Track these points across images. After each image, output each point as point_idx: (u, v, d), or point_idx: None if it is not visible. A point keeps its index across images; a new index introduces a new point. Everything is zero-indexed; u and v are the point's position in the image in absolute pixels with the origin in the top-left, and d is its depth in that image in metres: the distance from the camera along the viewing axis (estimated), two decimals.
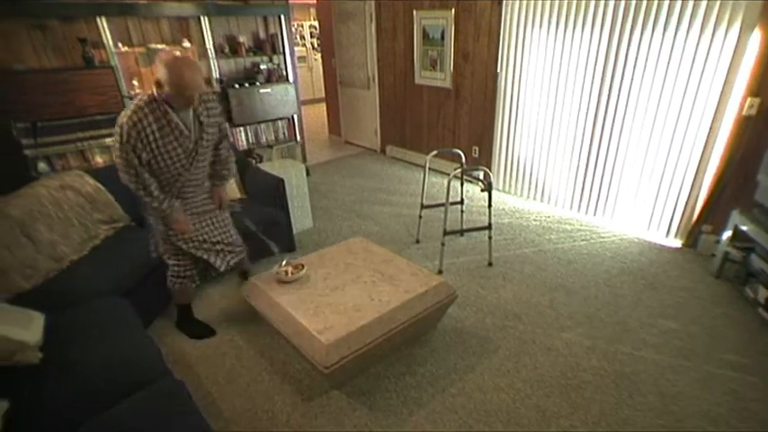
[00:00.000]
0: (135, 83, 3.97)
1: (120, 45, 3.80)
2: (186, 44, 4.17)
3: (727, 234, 3.02)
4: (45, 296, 2.31)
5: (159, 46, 4.01)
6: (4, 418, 1.53)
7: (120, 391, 1.70)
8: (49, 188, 2.72)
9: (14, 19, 3.33)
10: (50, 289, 2.39)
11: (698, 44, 3.07)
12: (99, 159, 3.83)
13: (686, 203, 3.43)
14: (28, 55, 3.46)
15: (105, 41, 3.64)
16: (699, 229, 3.44)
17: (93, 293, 2.34)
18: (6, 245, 2.37)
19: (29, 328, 1.86)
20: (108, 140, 3.79)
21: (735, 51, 2.93)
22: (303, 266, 2.54)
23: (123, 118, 2.03)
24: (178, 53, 2.16)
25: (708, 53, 3.05)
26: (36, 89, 3.30)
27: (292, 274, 2.50)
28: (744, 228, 2.86)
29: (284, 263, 2.58)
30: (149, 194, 2.15)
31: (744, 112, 3.02)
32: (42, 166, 3.52)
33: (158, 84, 2.04)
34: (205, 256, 2.42)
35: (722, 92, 3.04)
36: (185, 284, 2.48)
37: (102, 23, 3.60)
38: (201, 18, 4.11)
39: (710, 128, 3.16)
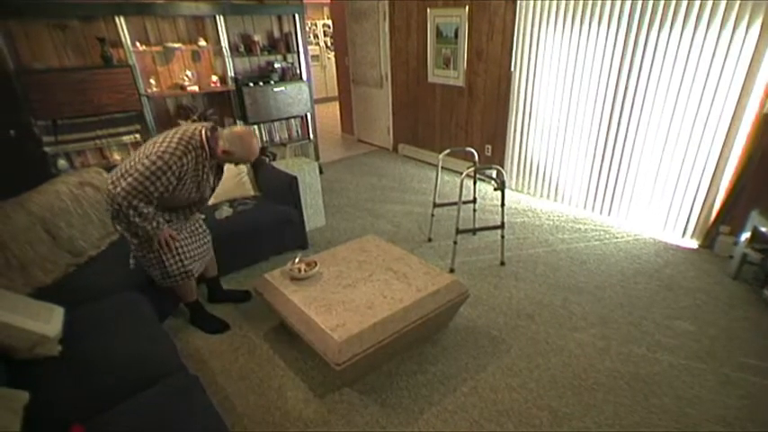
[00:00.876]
0: (152, 81, 4.03)
1: (137, 44, 3.87)
2: (202, 43, 4.21)
3: (745, 235, 2.96)
4: (64, 290, 2.37)
5: (176, 45, 4.06)
6: (24, 409, 1.56)
7: (136, 384, 1.73)
8: (68, 185, 2.78)
9: (36, 19, 3.41)
10: (69, 283, 2.45)
11: (717, 43, 3.02)
12: (117, 156, 3.90)
13: (703, 203, 3.37)
14: (49, 54, 3.53)
15: (123, 41, 3.71)
16: (716, 229, 3.38)
17: (110, 288, 2.39)
18: (27, 240, 2.43)
19: (49, 322, 1.90)
20: (125, 138, 3.87)
21: (755, 50, 2.87)
22: (316, 264, 2.56)
23: (168, 148, 2.08)
24: (243, 127, 2.35)
25: (727, 52, 2.99)
26: (56, 88, 3.37)
27: (305, 271, 2.51)
28: (763, 229, 2.80)
29: (297, 260, 2.60)
30: (144, 218, 2.15)
31: (764, 111, 2.95)
32: (62, 163, 3.60)
33: (226, 152, 2.23)
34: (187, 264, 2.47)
35: (742, 91, 2.99)
36: (180, 281, 2.49)
37: (121, 23, 3.66)
38: (217, 17, 4.15)
39: (729, 127, 3.10)
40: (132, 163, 2.11)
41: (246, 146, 2.26)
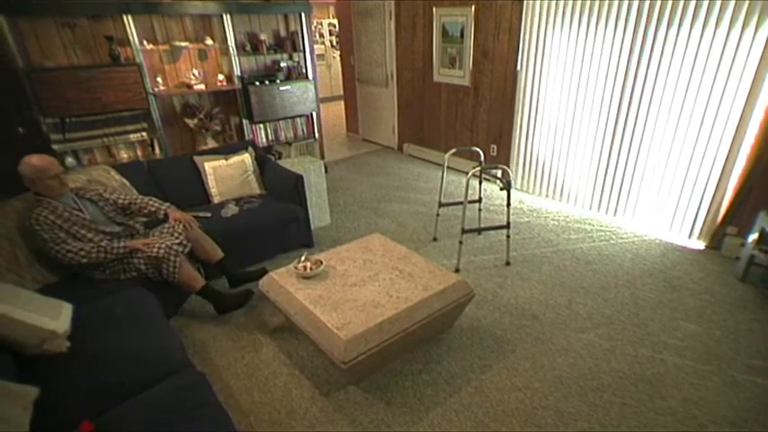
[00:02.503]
0: (159, 80, 4.05)
1: (145, 43, 3.88)
2: (209, 41, 4.23)
3: (753, 237, 2.94)
4: (73, 287, 2.39)
5: (183, 43, 4.07)
6: (34, 405, 1.58)
7: (143, 381, 1.75)
8: (76, 182, 2.80)
9: (45, 17, 3.43)
10: (78, 280, 2.47)
11: (725, 42, 3.00)
12: (124, 155, 3.93)
13: (710, 204, 3.36)
14: (58, 52, 3.56)
15: (131, 39, 3.72)
16: (723, 230, 3.37)
17: (118, 285, 2.40)
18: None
19: (58, 318, 1.92)
20: (132, 136, 3.89)
21: (764, 50, 2.85)
22: (322, 263, 2.57)
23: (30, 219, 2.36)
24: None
25: (736, 52, 2.97)
26: (65, 86, 3.39)
27: (311, 269, 2.52)
28: None
29: (303, 258, 2.60)
30: (98, 252, 2.41)
31: None
32: (70, 160, 3.63)
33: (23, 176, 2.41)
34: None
35: (750, 91, 2.97)
36: (177, 262, 2.55)
37: (129, 21, 3.68)
38: (224, 16, 4.17)
39: (737, 127, 3.08)
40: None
41: (31, 166, 2.36)
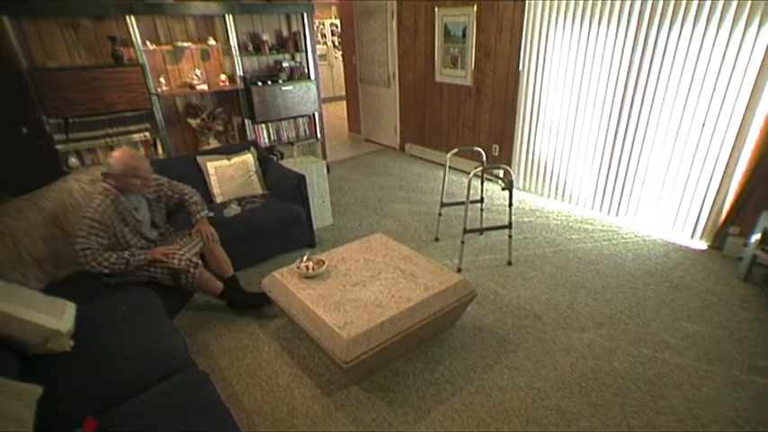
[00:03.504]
0: (162, 80, 4.06)
1: (148, 43, 3.90)
2: (211, 42, 4.24)
3: (755, 237, 2.94)
4: (77, 286, 2.40)
5: (185, 44, 4.09)
6: (38, 403, 1.59)
7: (146, 380, 1.76)
8: (80, 182, 2.81)
9: (49, 18, 3.45)
10: (82, 279, 2.48)
11: (728, 42, 2.99)
12: None
13: (713, 204, 3.35)
14: (61, 53, 3.57)
15: (134, 40, 3.73)
16: (726, 230, 3.36)
17: (121, 285, 2.41)
18: (40, 236, 2.47)
19: (62, 317, 1.93)
20: (135, 136, 3.90)
21: (766, 50, 2.84)
22: (324, 262, 2.57)
23: (87, 211, 2.33)
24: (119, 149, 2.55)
25: (738, 51, 2.97)
26: (68, 86, 3.40)
27: (314, 269, 2.53)
28: None
29: (305, 258, 2.61)
30: (117, 261, 2.37)
31: None
32: (73, 160, 3.64)
33: (111, 176, 2.42)
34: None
35: (753, 90, 2.96)
36: (196, 274, 2.56)
37: (132, 22, 3.69)
38: (227, 16, 4.18)
39: (739, 127, 3.08)
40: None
41: (123, 161, 2.38)
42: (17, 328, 1.78)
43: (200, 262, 2.62)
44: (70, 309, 2.03)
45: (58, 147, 3.52)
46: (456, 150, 3.56)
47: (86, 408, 1.61)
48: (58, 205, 2.63)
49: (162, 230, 2.77)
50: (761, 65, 2.89)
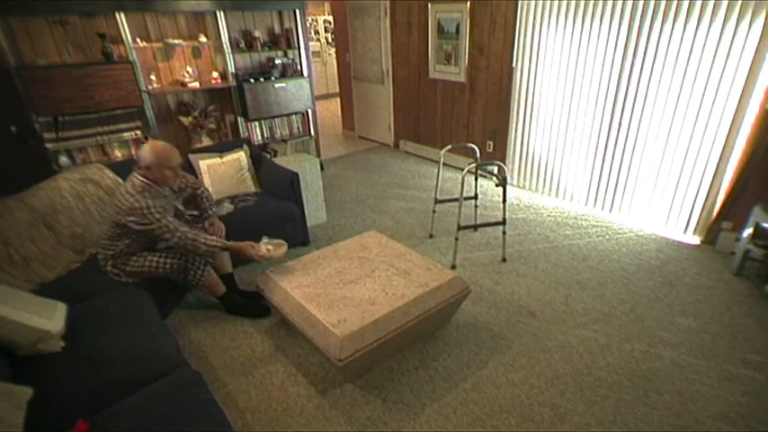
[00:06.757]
0: (153, 77, 4.02)
1: (138, 40, 3.85)
2: (203, 39, 4.20)
3: (747, 231, 2.95)
4: (67, 287, 2.37)
5: (176, 41, 4.05)
6: (28, 404, 1.57)
7: (139, 380, 1.74)
8: (70, 181, 2.78)
9: (37, 15, 3.40)
10: (72, 280, 2.46)
11: (719, 40, 3.00)
12: (118, 153, 3.90)
13: (705, 199, 3.37)
14: (50, 51, 3.52)
15: (124, 37, 3.69)
16: (718, 225, 3.38)
17: (113, 284, 2.39)
18: (30, 236, 2.44)
19: (52, 318, 1.91)
20: (126, 135, 3.86)
21: (757, 48, 2.86)
22: (284, 245, 2.65)
23: (134, 201, 2.29)
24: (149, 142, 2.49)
25: (730, 47, 2.97)
26: (57, 84, 3.36)
27: (274, 251, 2.59)
28: (766, 225, 2.80)
29: (265, 241, 2.65)
30: (195, 238, 2.41)
31: (766, 107, 2.94)
32: (64, 159, 3.60)
33: (147, 167, 2.35)
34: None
35: (744, 86, 2.97)
36: (206, 272, 2.56)
37: (121, 19, 3.64)
38: (218, 13, 4.13)
39: (732, 122, 3.09)
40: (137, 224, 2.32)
41: (155, 153, 2.34)
42: (7, 329, 1.75)
43: (212, 261, 2.63)
44: (60, 309, 2.01)
45: (48, 145, 3.48)
46: (450, 147, 3.55)
47: (77, 409, 1.59)
48: (48, 205, 2.59)
49: (187, 218, 2.76)
50: (752, 60, 2.90)
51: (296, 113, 4.93)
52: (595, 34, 3.65)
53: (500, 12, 4.30)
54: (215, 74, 4.38)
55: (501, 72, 4.51)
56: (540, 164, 4.45)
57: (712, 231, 3.42)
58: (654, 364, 2.33)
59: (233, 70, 4.39)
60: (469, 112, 5.02)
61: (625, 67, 3.55)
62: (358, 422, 2.04)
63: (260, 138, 4.74)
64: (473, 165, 3.17)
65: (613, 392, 2.16)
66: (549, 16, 3.89)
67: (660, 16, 3.24)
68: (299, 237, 3.54)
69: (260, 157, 3.80)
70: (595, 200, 4.10)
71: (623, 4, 3.41)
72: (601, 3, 3.54)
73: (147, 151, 2.32)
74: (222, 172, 3.50)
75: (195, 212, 2.86)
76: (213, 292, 2.69)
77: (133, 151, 3.98)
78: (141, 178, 2.35)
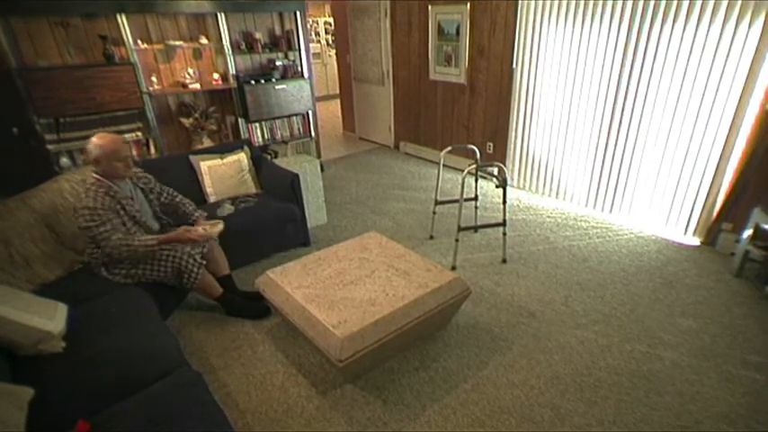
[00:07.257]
0: (154, 79, 4.04)
1: (139, 42, 3.86)
2: (204, 41, 4.21)
3: (747, 232, 2.95)
4: (68, 287, 2.38)
5: (177, 42, 4.06)
6: (29, 405, 1.57)
7: (139, 380, 1.74)
8: (71, 182, 2.79)
9: (39, 17, 3.41)
10: (73, 280, 2.46)
11: (719, 40, 3.01)
12: None
13: (705, 200, 3.37)
14: (51, 52, 3.54)
15: (125, 38, 3.70)
16: (718, 226, 3.38)
17: (113, 285, 2.40)
18: (31, 237, 2.44)
19: (53, 319, 1.91)
20: (127, 136, 3.87)
21: (757, 48, 2.86)
22: (221, 223, 2.70)
23: (86, 200, 2.30)
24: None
25: (730, 47, 2.98)
26: (59, 86, 3.37)
27: (211, 228, 2.64)
28: (765, 226, 2.80)
29: (201, 220, 2.74)
30: (136, 244, 2.37)
31: (766, 108, 2.94)
32: (65, 160, 3.61)
33: (95, 160, 2.35)
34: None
35: (744, 86, 2.98)
36: (199, 274, 2.55)
37: (123, 21, 3.66)
38: (219, 15, 4.15)
39: (731, 123, 3.09)
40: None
41: (102, 146, 2.32)
42: (7, 329, 1.76)
43: (204, 262, 2.62)
44: (62, 310, 2.01)
45: (49, 147, 3.49)
46: (450, 148, 3.56)
47: (78, 410, 1.59)
48: (48, 206, 2.60)
49: (164, 223, 2.76)
50: (752, 60, 2.90)
51: (296, 115, 4.94)
52: (595, 35, 3.66)
53: (500, 13, 4.31)
54: (216, 75, 4.39)
55: (501, 73, 4.52)
56: (540, 165, 4.45)
57: (712, 232, 3.42)
58: (654, 364, 2.33)
59: (234, 72, 4.40)
60: (470, 113, 5.02)
61: (625, 67, 3.56)
62: (358, 423, 2.04)
63: (260, 139, 4.75)
64: (473, 166, 3.17)
65: (613, 393, 2.16)
66: (550, 17, 3.90)
67: (660, 17, 3.25)
68: (299, 237, 3.55)
69: (260, 159, 3.80)
70: (595, 201, 4.10)
71: (623, 4, 3.42)
72: (601, 3, 3.54)
73: (94, 144, 2.31)
74: (223, 173, 3.51)
75: (173, 222, 2.83)
76: (209, 293, 2.68)
77: (134, 152, 3.99)
78: (93, 174, 2.36)
